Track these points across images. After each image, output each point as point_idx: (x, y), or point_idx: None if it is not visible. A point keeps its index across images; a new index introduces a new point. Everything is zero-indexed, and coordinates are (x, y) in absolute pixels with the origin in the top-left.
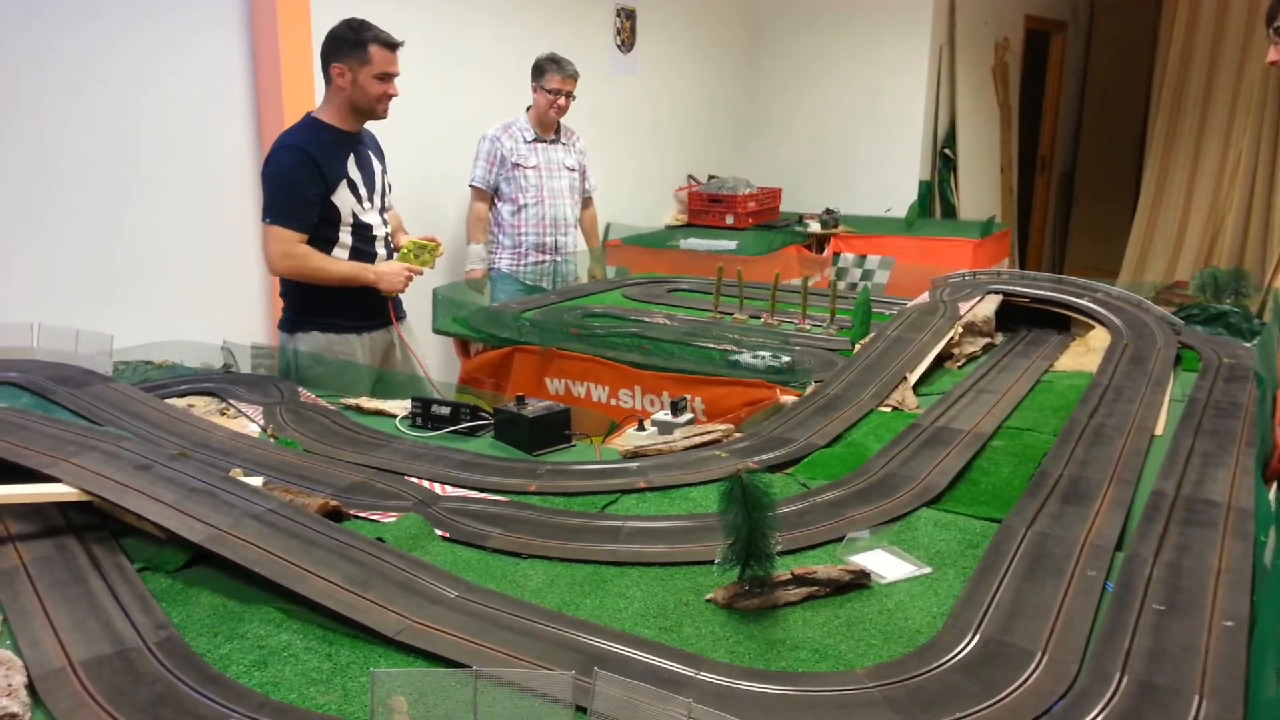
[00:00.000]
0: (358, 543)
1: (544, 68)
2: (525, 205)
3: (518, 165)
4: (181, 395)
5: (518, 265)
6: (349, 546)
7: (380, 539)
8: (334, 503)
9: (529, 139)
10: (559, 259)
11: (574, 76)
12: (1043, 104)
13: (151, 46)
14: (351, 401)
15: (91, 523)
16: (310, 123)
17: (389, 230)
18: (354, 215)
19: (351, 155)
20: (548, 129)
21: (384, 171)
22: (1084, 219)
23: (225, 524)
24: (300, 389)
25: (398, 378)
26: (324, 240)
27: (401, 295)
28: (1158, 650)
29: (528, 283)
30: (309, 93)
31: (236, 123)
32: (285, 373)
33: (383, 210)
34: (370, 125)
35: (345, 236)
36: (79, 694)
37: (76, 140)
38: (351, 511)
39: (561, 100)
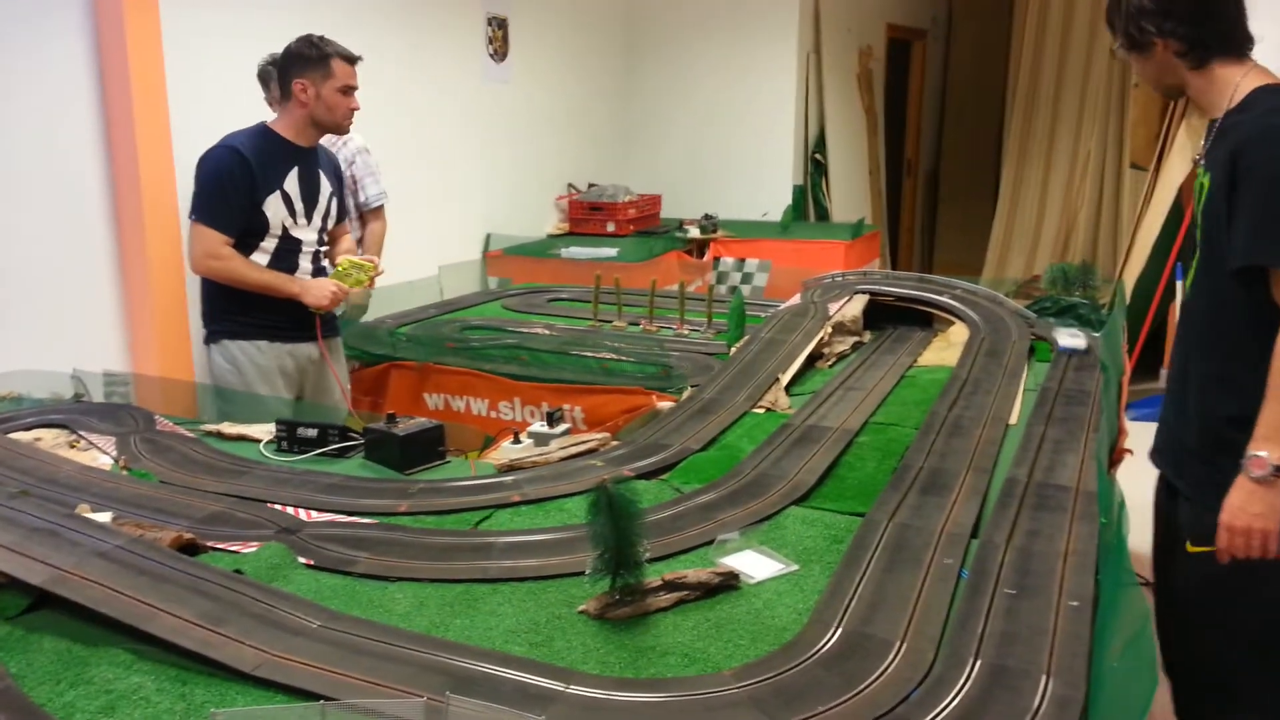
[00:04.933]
0: (213, 576)
1: None
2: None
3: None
4: (29, 429)
5: None
6: (204, 581)
7: (239, 570)
8: (188, 536)
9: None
10: None
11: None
12: (906, 109)
13: None
14: (212, 428)
15: None
16: (259, 129)
17: (327, 249)
18: (284, 228)
19: (296, 169)
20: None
21: (334, 193)
22: (950, 218)
23: (68, 564)
24: (158, 417)
25: (319, 397)
26: (246, 248)
27: (335, 312)
28: (1009, 633)
29: None
30: (160, 99)
31: (83, 134)
32: (215, 386)
33: (323, 230)
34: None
35: (269, 247)
36: None
37: None
38: (209, 544)
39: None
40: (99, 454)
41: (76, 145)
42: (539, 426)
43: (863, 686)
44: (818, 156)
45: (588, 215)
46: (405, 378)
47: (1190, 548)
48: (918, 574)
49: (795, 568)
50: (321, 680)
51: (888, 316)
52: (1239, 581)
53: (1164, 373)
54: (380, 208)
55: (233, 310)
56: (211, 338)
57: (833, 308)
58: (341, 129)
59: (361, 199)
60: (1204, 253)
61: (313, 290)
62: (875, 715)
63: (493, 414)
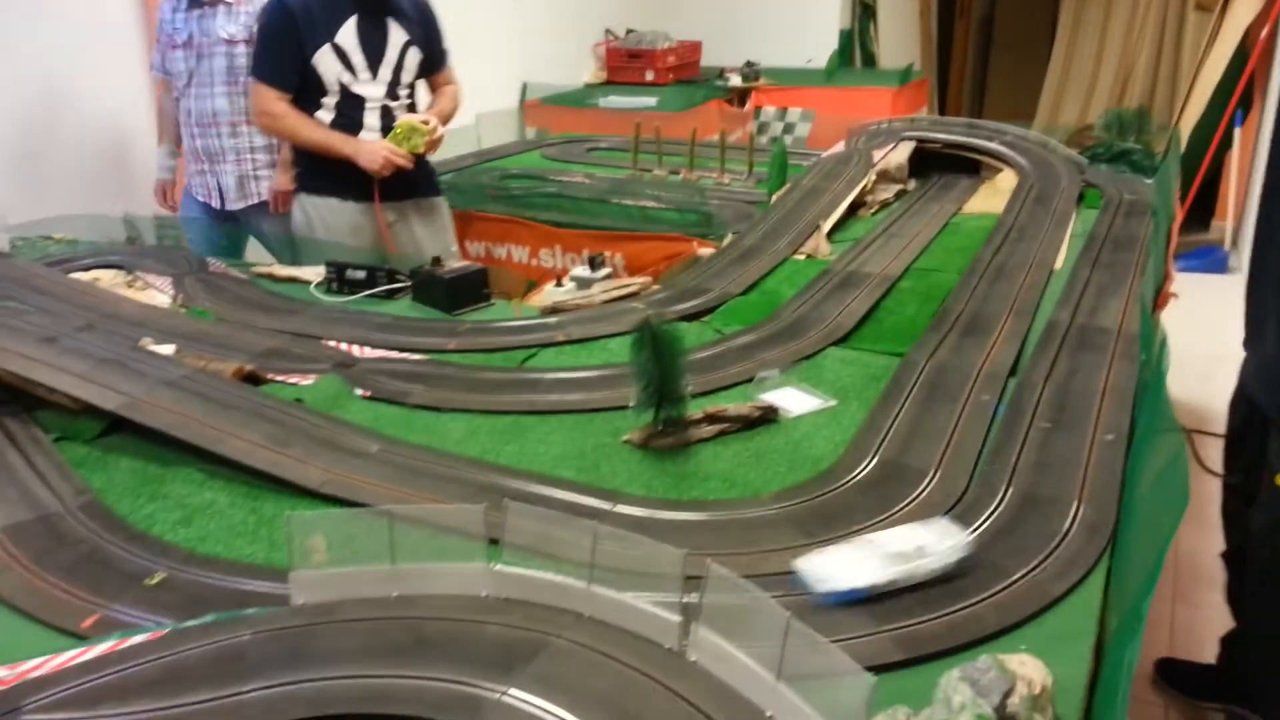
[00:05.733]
0: (276, 404)
1: None
2: (178, 97)
3: (169, 43)
4: (86, 270)
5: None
6: (267, 408)
7: (299, 400)
8: (249, 367)
9: (184, 5)
10: (217, 170)
11: None
12: None
13: None
14: (264, 270)
15: (3, 398)
16: None
17: (409, 103)
18: (340, 84)
19: (354, 19)
20: None
21: (411, 42)
22: (1002, 65)
23: (139, 391)
24: (210, 260)
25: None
26: (310, 105)
27: (429, 168)
28: (1042, 463)
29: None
30: None
31: None
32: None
33: (395, 84)
34: None
35: (330, 104)
36: (3, 557)
37: None
38: (268, 375)
39: None
40: (156, 294)
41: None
42: (581, 270)
43: (896, 509)
44: None
45: (626, 63)
46: None
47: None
48: (954, 409)
49: (833, 403)
50: (383, 497)
51: (934, 164)
52: None
53: (1215, 224)
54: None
55: (307, 166)
56: (295, 190)
57: (877, 155)
58: None
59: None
60: None
61: (365, 153)
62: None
63: (533, 261)
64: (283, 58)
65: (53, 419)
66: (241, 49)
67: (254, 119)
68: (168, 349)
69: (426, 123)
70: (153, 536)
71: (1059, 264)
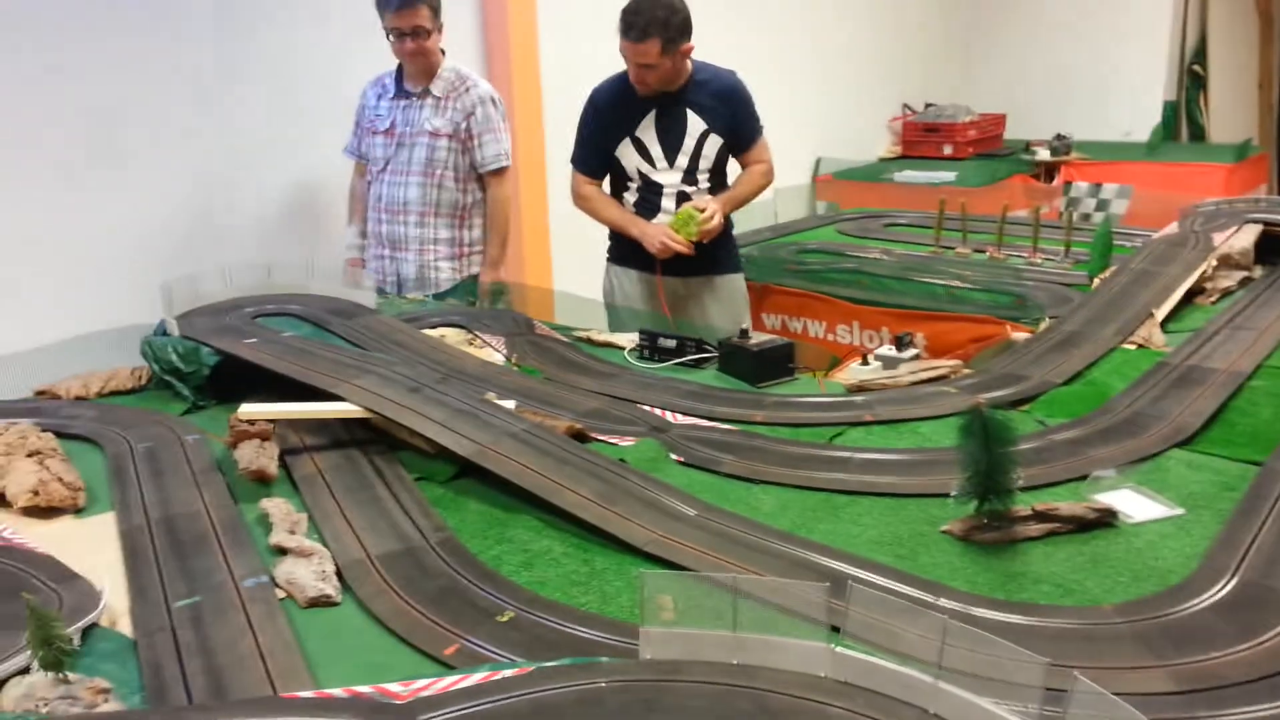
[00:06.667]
0: (603, 462)
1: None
2: (370, 181)
3: (370, 129)
4: (433, 327)
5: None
6: (596, 465)
7: (622, 460)
8: (579, 425)
9: (390, 94)
10: (398, 257)
11: (411, 5)
12: None
13: None
14: (583, 334)
15: (370, 437)
16: (624, 73)
17: (708, 187)
18: (640, 174)
19: (654, 112)
20: (414, 79)
21: (709, 130)
22: None
23: (487, 441)
24: (536, 322)
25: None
26: (620, 189)
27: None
28: None
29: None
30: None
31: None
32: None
33: (694, 170)
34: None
35: (634, 189)
36: (378, 582)
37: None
38: (593, 434)
39: (405, 44)
40: (492, 351)
41: None
42: (887, 350)
43: (1263, 638)
44: (1196, 68)
45: (923, 137)
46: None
47: None
48: None
49: (1180, 511)
50: (702, 562)
51: None
52: None
53: None
54: (502, 171)
55: (615, 239)
56: (608, 259)
57: (1217, 238)
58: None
59: (478, 158)
60: None
61: (648, 236)
62: (1278, 670)
63: (830, 336)
64: (587, 149)
65: (413, 460)
66: (444, 143)
67: (572, 200)
68: (509, 403)
69: (702, 210)
70: (501, 576)
71: None
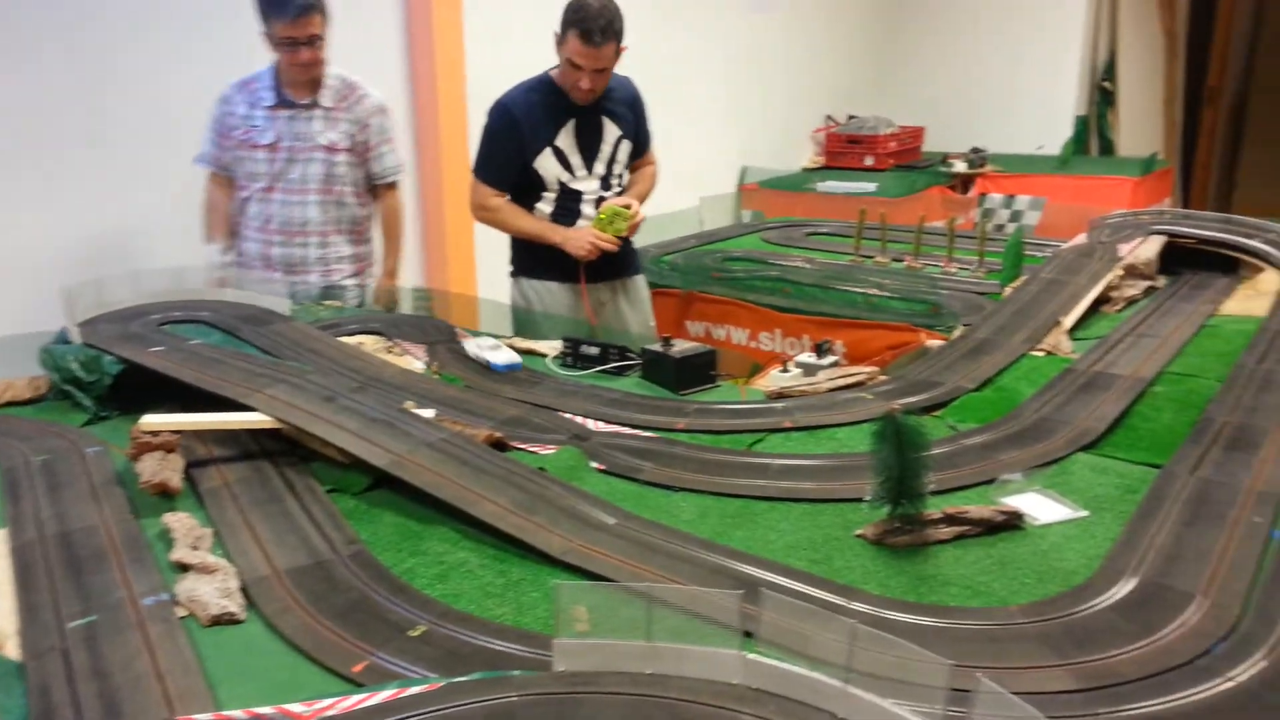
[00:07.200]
0: (522, 471)
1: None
2: (247, 199)
3: (246, 141)
4: (352, 334)
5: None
6: (514, 474)
7: (542, 468)
8: (498, 434)
9: (266, 103)
10: (296, 280)
11: (307, 13)
12: (1214, 30)
13: None
14: (507, 341)
15: (282, 448)
16: (541, 80)
17: (620, 190)
18: (559, 182)
19: (573, 121)
20: (299, 88)
21: (623, 135)
22: (1255, 156)
23: (404, 451)
24: (457, 329)
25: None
26: (532, 199)
27: (632, 249)
28: None
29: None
30: (458, 53)
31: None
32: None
33: (609, 175)
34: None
35: (550, 199)
36: (285, 598)
37: None
38: (513, 443)
39: (300, 54)
40: (412, 359)
41: (385, 93)
42: (807, 357)
43: (1160, 635)
44: (1105, 84)
45: (845, 148)
46: (668, 305)
47: None
48: (1221, 530)
49: (1084, 514)
50: (620, 571)
51: (1184, 261)
52: None
53: None
54: (395, 184)
55: (525, 252)
56: (514, 273)
57: (1123, 249)
58: (572, 98)
59: (376, 170)
60: None
61: (573, 240)
62: (1173, 665)
63: (753, 344)
64: (500, 160)
65: (326, 471)
66: (342, 157)
67: (472, 212)
68: (428, 412)
69: (628, 207)
70: (414, 589)
71: None
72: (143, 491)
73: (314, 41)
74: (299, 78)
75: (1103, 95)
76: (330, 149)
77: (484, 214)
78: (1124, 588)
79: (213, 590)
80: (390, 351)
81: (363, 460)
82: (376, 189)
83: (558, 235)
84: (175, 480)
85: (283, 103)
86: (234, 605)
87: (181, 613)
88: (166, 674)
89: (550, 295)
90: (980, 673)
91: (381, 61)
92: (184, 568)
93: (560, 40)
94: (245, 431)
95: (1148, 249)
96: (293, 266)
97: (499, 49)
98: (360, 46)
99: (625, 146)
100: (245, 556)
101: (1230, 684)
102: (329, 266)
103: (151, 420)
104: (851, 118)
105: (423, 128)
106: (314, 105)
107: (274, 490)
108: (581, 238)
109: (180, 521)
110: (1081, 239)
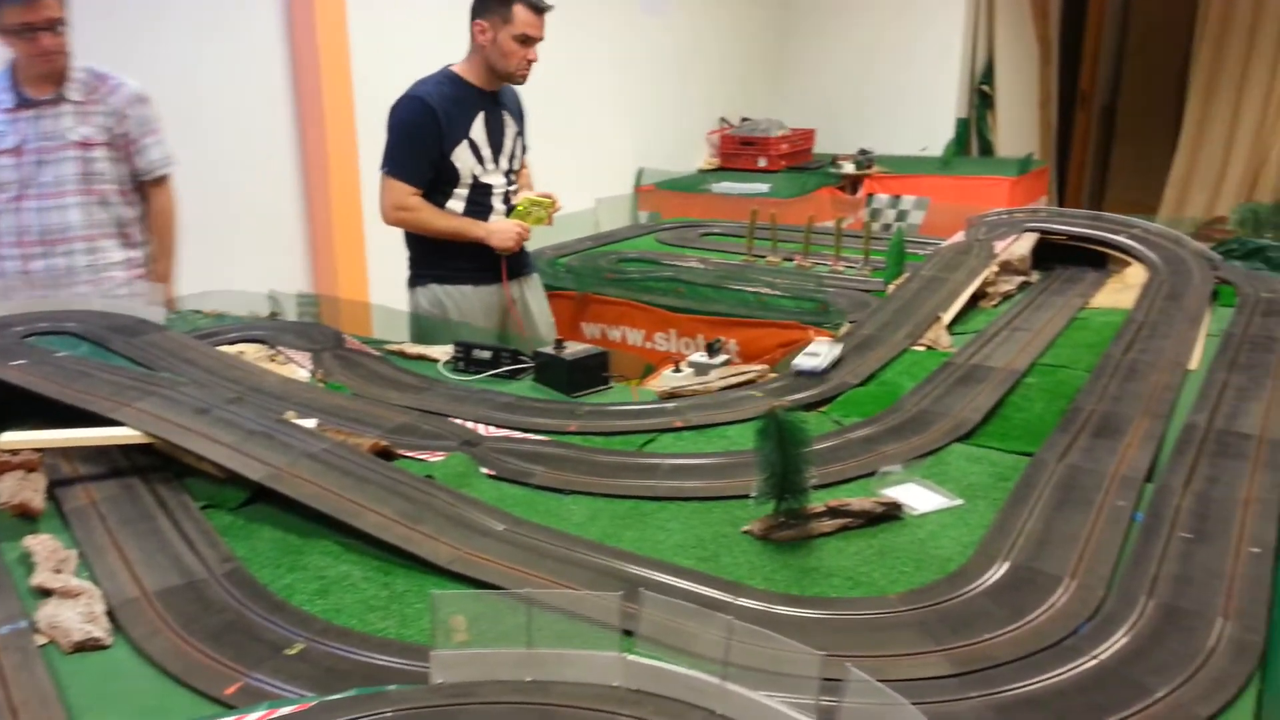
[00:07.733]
0: (408, 480)
1: None
2: None
3: None
4: (232, 343)
5: None
6: (400, 483)
7: (430, 476)
8: (384, 443)
9: (7, 105)
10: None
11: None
12: (1084, 37)
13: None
14: (395, 347)
15: (154, 464)
16: (446, 75)
17: (514, 188)
18: (473, 176)
19: (482, 114)
20: (39, 83)
21: (519, 132)
22: (1125, 155)
23: (283, 463)
24: (345, 335)
25: (510, 334)
26: (441, 196)
27: (526, 248)
28: (1184, 576)
29: None
30: (343, 52)
31: (276, 91)
32: (412, 326)
33: (510, 170)
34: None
35: (462, 194)
36: (154, 621)
37: None
38: (401, 451)
39: (39, 41)
40: (296, 368)
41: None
42: (699, 356)
43: (1030, 618)
44: (984, 88)
45: (739, 150)
46: (564, 307)
47: None
48: (1088, 514)
49: (959, 502)
50: (508, 578)
51: (1058, 256)
52: None
53: None
54: (165, 179)
55: (436, 257)
56: (418, 281)
57: (999, 246)
58: (514, 79)
59: (141, 165)
60: None
61: (497, 234)
62: (1043, 646)
63: (648, 344)
64: (419, 156)
65: (200, 486)
66: (100, 152)
67: (385, 213)
68: (310, 422)
69: (547, 196)
70: (292, 606)
71: (1194, 364)
72: (2, 513)
73: (54, 25)
74: (40, 70)
75: (982, 98)
76: (85, 144)
77: (400, 214)
78: (996, 573)
79: (76, 615)
80: (273, 360)
81: (240, 474)
82: (144, 186)
83: (480, 229)
84: (37, 501)
85: (24, 102)
86: (99, 630)
87: (42, 640)
88: (21, 706)
89: (465, 299)
90: (857, 661)
91: (259, 56)
92: (45, 593)
93: (502, 20)
94: (115, 448)
95: (1021, 246)
96: (56, 278)
97: (387, 41)
98: (241, 49)
99: (520, 143)
100: (112, 579)
101: (1094, 662)
102: (99, 275)
103: (11, 438)
104: (745, 120)
105: (308, 129)
106: (60, 100)
107: (144, 508)
108: (507, 229)
109: (42, 544)
110: (960, 237)
